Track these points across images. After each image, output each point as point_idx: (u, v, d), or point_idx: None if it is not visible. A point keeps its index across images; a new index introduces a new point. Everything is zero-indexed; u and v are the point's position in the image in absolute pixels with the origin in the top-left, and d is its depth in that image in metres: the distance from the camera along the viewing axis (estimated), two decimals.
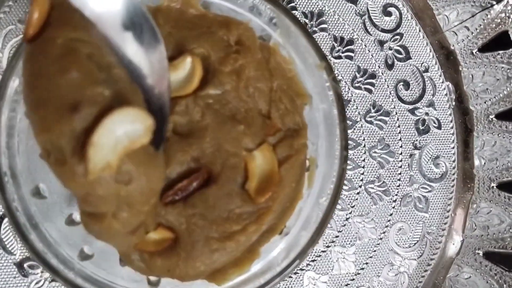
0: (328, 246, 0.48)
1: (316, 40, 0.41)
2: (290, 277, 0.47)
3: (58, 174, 0.29)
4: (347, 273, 0.48)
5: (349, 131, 0.49)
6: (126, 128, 0.27)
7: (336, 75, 0.48)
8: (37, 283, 0.43)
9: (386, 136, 0.50)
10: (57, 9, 0.29)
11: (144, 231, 0.35)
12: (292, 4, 0.49)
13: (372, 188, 0.49)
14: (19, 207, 0.33)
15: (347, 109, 0.49)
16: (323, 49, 0.40)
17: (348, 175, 0.49)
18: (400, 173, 0.50)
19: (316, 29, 0.49)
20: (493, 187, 0.50)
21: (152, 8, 0.37)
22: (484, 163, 0.51)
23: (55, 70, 0.27)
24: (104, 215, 0.33)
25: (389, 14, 0.51)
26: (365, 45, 0.50)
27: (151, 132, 0.29)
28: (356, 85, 0.50)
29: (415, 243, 0.50)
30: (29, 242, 0.32)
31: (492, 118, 0.51)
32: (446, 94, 0.51)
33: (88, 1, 0.28)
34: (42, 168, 0.37)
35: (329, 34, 0.49)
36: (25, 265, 0.43)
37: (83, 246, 0.37)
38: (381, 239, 0.49)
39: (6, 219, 0.43)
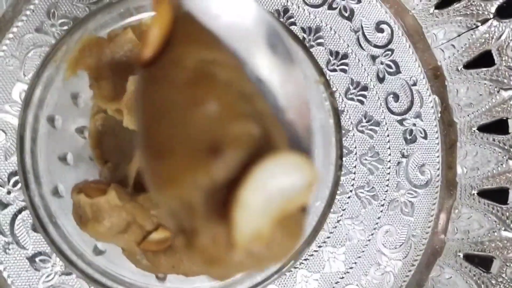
0: (320, 246, 0.51)
1: (314, 53, 0.44)
2: (284, 275, 0.50)
3: (186, 251, 0.21)
4: (337, 272, 0.52)
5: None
6: (281, 182, 0.19)
7: (331, 86, 0.51)
8: (47, 276, 0.46)
9: (376, 144, 0.53)
10: (181, 23, 0.22)
11: (138, 228, 0.37)
12: (292, 20, 0.52)
13: (362, 193, 0.52)
14: (40, 204, 0.36)
15: (341, 119, 0.52)
16: (319, 62, 0.43)
17: (340, 180, 0.52)
18: (388, 179, 0.53)
19: (313, 43, 0.52)
20: (474, 194, 0.53)
21: None
22: (466, 171, 0.54)
23: (185, 102, 0.20)
24: (86, 221, 0.36)
25: (381, 31, 0.54)
26: (359, 59, 0.53)
27: (314, 189, 0.20)
28: (350, 96, 0.53)
29: (400, 245, 0.53)
30: (50, 235, 0.35)
31: (474, 130, 0.54)
32: (432, 107, 0.55)
33: (221, 12, 0.22)
34: (60, 171, 0.40)
35: (325, 48, 0.53)
36: (37, 259, 0.46)
37: (97, 242, 0.40)
38: (369, 240, 0.52)
39: (19, 216, 0.46)
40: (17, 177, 0.45)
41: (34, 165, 0.36)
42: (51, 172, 0.38)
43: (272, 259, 0.21)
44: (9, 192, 0.46)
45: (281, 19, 0.51)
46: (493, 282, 0.50)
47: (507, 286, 0.49)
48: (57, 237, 0.36)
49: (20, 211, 0.46)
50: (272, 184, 0.19)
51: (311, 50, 0.49)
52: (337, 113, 0.39)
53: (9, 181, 0.46)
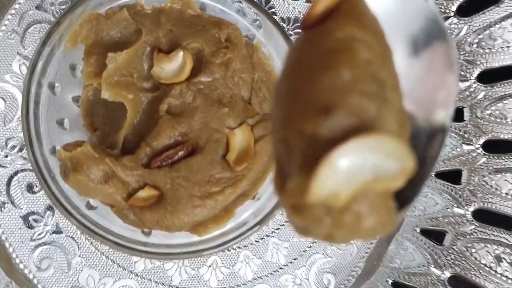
0: None
1: (292, 41, 0.49)
2: (257, 241, 0.55)
3: (278, 193, 0.23)
4: (305, 241, 0.56)
5: None
6: (377, 161, 0.20)
7: None
8: (39, 234, 0.50)
9: None
10: (348, 2, 0.24)
11: (120, 182, 0.41)
12: (272, 10, 0.57)
13: None
14: (41, 160, 0.40)
15: None
16: None
17: None
18: None
19: (291, 32, 0.57)
20: (431, 175, 0.59)
21: (157, 8, 0.44)
22: None
23: (321, 64, 0.22)
24: (68, 172, 0.40)
25: None
26: None
27: (406, 179, 0.21)
28: None
29: None
30: (51, 189, 0.39)
31: None
32: None
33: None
34: (57, 133, 0.44)
35: None
36: (30, 218, 0.50)
37: (88, 199, 0.44)
38: None
39: (15, 178, 0.50)
40: (14, 142, 0.49)
41: (36, 126, 0.40)
42: (50, 134, 0.42)
43: (349, 233, 0.22)
44: (6, 156, 0.49)
45: (263, 7, 0.56)
46: (445, 253, 0.55)
47: (458, 257, 0.55)
48: (56, 190, 0.40)
49: (16, 173, 0.50)
50: (367, 159, 0.20)
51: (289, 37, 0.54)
52: None
53: (6, 145, 0.49)
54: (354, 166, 0.20)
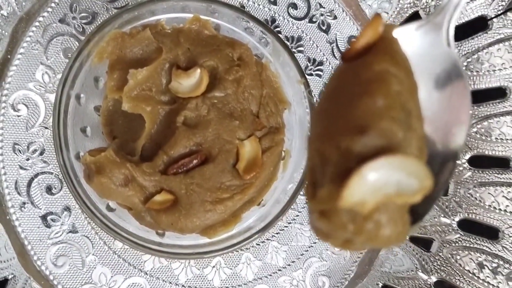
0: (290, 223, 0.60)
1: (296, 59, 0.53)
2: (258, 244, 0.59)
3: (310, 200, 0.27)
4: (302, 245, 0.60)
5: None
6: (400, 178, 0.24)
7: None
8: (56, 233, 0.53)
9: None
10: (383, 41, 0.29)
11: (138, 186, 0.45)
12: (278, 29, 0.61)
13: None
14: (68, 166, 0.44)
15: None
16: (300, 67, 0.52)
17: None
18: None
19: (295, 50, 0.61)
20: None
21: (176, 29, 0.48)
22: None
23: (360, 91, 0.26)
24: (92, 175, 0.44)
25: None
26: (332, 67, 0.62)
27: (423, 195, 0.25)
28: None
29: None
30: (76, 190, 0.43)
31: None
32: None
33: (415, 42, 0.29)
34: (81, 140, 0.48)
35: (304, 55, 0.62)
36: (48, 218, 0.53)
37: (109, 201, 0.48)
38: None
39: (35, 180, 0.53)
40: (35, 146, 0.53)
41: (64, 133, 0.44)
42: (75, 140, 0.46)
43: (367, 240, 0.26)
44: (28, 159, 0.53)
45: (269, 26, 0.60)
46: (432, 259, 0.60)
47: (443, 263, 0.59)
48: (81, 192, 0.43)
49: (36, 175, 0.53)
50: (392, 175, 0.24)
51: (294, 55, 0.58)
52: (313, 108, 0.48)
53: (28, 149, 0.53)
54: (380, 180, 0.24)
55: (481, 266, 0.57)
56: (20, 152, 0.53)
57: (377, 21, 0.29)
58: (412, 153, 0.26)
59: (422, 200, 0.26)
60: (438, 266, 0.59)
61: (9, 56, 0.53)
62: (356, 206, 0.24)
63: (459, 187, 0.60)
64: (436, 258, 0.60)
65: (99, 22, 0.54)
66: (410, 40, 0.30)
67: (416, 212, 0.28)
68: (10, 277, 0.51)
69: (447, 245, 0.60)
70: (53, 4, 0.54)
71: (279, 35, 0.60)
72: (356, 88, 0.27)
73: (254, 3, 0.60)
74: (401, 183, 0.24)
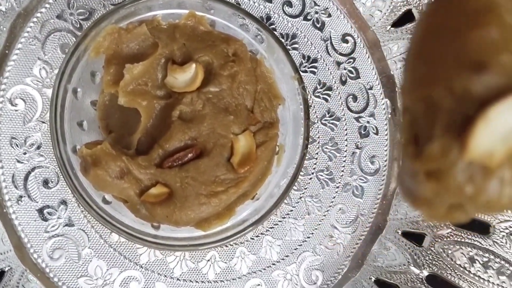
0: (284, 217, 0.61)
1: (291, 55, 0.54)
2: (252, 239, 0.60)
3: (412, 160, 0.23)
4: (296, 240, 0.61)
5: None
6: None
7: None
8: (53, 226, 0.54)
9: (336, 136, 0.63)
10: None
11: (134, 179, 0.45)
12: (273, 26, 0.62)
13: (322, 175, 0.62)
14: (65, 159, 0.44)
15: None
16: (295, 64, 0.53)
17: (304, 164, 0.61)
18: (344, 166, 0.63)
19: (289, 47, 0.62)
20: None
21: (172, 24, 0.49)
22: None
23: (469, 23, 0.22)
24: (89, 168, 0.44)
25: (346, 41, 0.64)
26: (326, 64, 0.63)
27: None
28: (316, 94, 0.63)
29: (350, 221, 0.63)
30: (73, 183, 0.44)
31: None
32: (384, 108, 0.65)
33: None
34: (78, 134, 0.48)
35: (299, 53, 0.62)
36: (45, 211, 0.54)
37: (105, 194, 0.48)
38: (325, 215, 0.62)
39: (32, 173, 0.54)
40: (32, 140, 0.53)
41: (61, 127, 0.44)
42: (72, 134, 0.46)
43: (484, 204, 0.22)
44: (25, 153, 0.53)
45: (266, 24, 0.61)
46: (424, 253, 0.60)
47: (435, 257, 0.60)
48: (78, 185, 0.44)
49: (33, 169, 0.54)
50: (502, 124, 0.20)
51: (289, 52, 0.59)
52: (306, 103, 0.49)
53: (25, 143, 0.53)
54: (510, 125, 0.20)
55: (472, 260, 0.58)
56: (18, 146, 0.53)
57: None
58: None
59: None
60: (430, 261, 0.60)
61: (7, 51, 0.54)
62: (483, 159, 0.20)
63: None
64: (428, 252, 0.60)
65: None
66: None
67: None
68: (6, 269, 0.52)
69: (439, 240, 0.60)
70: (51, 0, 0.55)
71: (274, 32, 0.61)
72: (464, 21, 0.22)
73: (249, 1, 0.61)
74: None
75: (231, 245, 0.58)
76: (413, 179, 0.23)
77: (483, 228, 0.59)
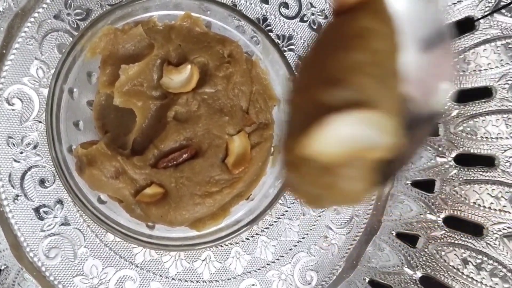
0: (279, 218, 0.61)
1: (286, 57, 0.54)
2: (247, 239, 0.60)
3: (282, 150, 0.27)
4: (291, 240, 0.61)
5: None
6: (368, 133, 0.24)
7: None
8: (49, 225, 0.54)
9: None
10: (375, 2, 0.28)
11: (129, 179, 0.46)
12: (269, 27, 0.62)
13: None
14: (60, 158, 0.45)
15: None
16: (290, 65, 0.53)
17: None
18: None
19: (285, 48, 0.62)
20: (408, 184, 0.64)
21: (168, 25, 0.49)
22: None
23: (340, 45, 0.26)
24: (84, 167, 0.45)
25: None
26: None
27: (392, 152, 0.25)
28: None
29: (345, 222, 0.63)
30: (69, 183, 0.44)
31: None
32: None
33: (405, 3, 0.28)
34: (74, 133, 0.49)
35: (295, 54, 0.63)
36: (41, 210, 0.54)
37: (100, 194, 0.48)
38: (319, 216, 0.62)
39: (28, 173, 0.54)
40: (29, 140, 0.54)
41: (57, 127, 0.45)
42: (68, 134, 0.47)
43: (332, 195, 0.26)
44: (21, 152, 0.54)
45: (260, 25, 0.61)
46: (417, 255, 0.61)
47: (429, 258, 0.60)
48: (73, 185, 0.44)
49: (29, 168, 0.54)
50: (360, 129, 0.24)
51: (284, 54, 0.59)
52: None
53: (22, 142, 0.54)
54: (345, 133, 0.24)
55: (465, 262, 0.58)
56: (14, 146, 0.54)
57: None
58: (384, 110, 0.25)
59: (391, 160, 0.25)
60: (424, 262, 0.60)
61: (4, 51, 0.54)
62: (317, 156, 0.24)
63: (445, 184, 0.61)
64: (422, 254, 0.61)
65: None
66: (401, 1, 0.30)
67: (386, 172, 0.27)
68: (2, 268, 0.52)
69: (433, 241, 0.61)
70: (48, 0, 0.55)
71: (270, 33, 0.61)
72: (338, 43, 0.27)
73: (246, 2, 0.61)
74: (370, 138, 0.24)
75: (226, 245, 0.59)
76: (284, 168, 0.27)
77: (476, 230, 0.59)
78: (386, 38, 0.27)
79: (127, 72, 0.46)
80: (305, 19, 0.63)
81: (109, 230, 0.46)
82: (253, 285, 0.59)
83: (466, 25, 0.61)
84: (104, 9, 0.56)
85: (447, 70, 0.30)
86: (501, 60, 0.59)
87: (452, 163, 0.61)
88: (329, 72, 0.25)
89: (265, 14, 0.62)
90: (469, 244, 0.59)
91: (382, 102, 0.25)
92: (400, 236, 0.63)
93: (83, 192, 0.46)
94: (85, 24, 0.53)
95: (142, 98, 0.48)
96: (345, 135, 0.24)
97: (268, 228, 0.61)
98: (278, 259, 0.60)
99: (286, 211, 0.61)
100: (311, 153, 0.24)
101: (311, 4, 0.63)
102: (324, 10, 0.64)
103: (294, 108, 0.27)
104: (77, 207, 0.52)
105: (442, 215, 0.61)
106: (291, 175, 0.26)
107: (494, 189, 0.59)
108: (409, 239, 0.63)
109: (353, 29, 0.27)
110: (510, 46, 0.59)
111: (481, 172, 0.60)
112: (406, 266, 0.61)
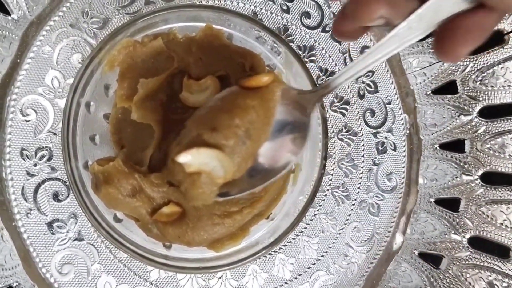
0: (297, 235, 0.59)
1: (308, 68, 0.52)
2: (265, 256, 0.58)
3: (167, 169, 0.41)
4: (310, 258, 0.60)
5: None
6: (215, 163, 0.37)
7: None
8: (62, 240, 0.53)
9: (353, 151, 0.62)
10: (267, 88, 0.40)
11: (146, 197, 0.45)
12: (290, 38, 0.60)
13: (337, 192, 0.61)
14: (76, 175, 0.43)
15: None
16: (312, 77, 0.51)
17: None
18: (360, 183, 0.62)
19: (307, 60, 0.60)
20: (431, 201, 0.62)
21: (189, 38, 0.47)
22: (426, 182, 0.63)
23: (230, 107, 0.38)
24: (100, 185, 0.44)
25: None
26: None
27: (224, 181, 0.38)
28: (333, 108, 0.61)
29: (366, 240, 0.62)
30: (84, 200, 0.42)
31: (436, 147, 0.63)
32: (402, 124, 0.63)
33: (289, 100, 0.40)
34: (90, 148, 0.47)
35: (316, 65, 0.61)
36: (54, 225, 0.53)
37: (116, 212, 0.47)
38: (339, 234, 0.61)
39: (42, 186, 0.52)
40: (43, 152, 0.52)
41: (73, 143, 0.43)
42: (84, 149, 0.45)
43: (191, 194, 0.39)
44: (35, 165, 0.52)
45: (282, 36, 0.59)
46: (441, 276, 0.59)
47: (453, 281, 0.58)
48: (88, 202, 0.43)
49: (43, 181, 0.52)
50: (209, 159, 0.37)
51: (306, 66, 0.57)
52: (325, 121, 0.47)
53: (36, 154, 0.52)
54: (204, 158, 0.37)
55: (491, 285, 0.56)
56: (28, 158, 0.52)
57: (270, 76, 0.40)
58: (231, 157, 0.38)
59: (229, 187, 0.40)
60: (447, 284, 0.58)
61: (18, 60, 0.52)
62: (184, 165, 0.37)
63: (470, 203, 0.59)
64: (446, 275, 0.59)
65: (111, 27, 0.54)
66: (288, 96, 0.40)
67: (225, 193, 0.41)
68: (14, 285, 0.51)
69: (457, 263, 0.59)
70: (64, 9, 0.54)
71: (291, 44, 0.59)
72: (230, 105, 0.39)
73: (267, 11, 0.60)
74: (214, 166, 0.37)
75: None
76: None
77: (503, 252, 0.57)
78: (262, 117, 0.39)
79: (145, 86, 0.45)
80: (327, 29, 0.61)
81: (123, 250, 0.44)
82: None
83: (494, 39, 0.59)
84: (122, 17, 0.54)
85: (298, 152, 0.41)
86: None
87: (479, 181, 0.59)
88: (216, 121, 0.38)
89: (286, 24, 0.60)
90: (495, 267, 0.57)
91: (235, 152, 0.38)
92: (423, 255, 0.61)
93: (98, 210, 0.44)
94: (103, 33, 0.51)
95: (160, 113, 0.46)
96: (202, 158, 0.37)
97: (286, 245, 0.59)
98: (296, 278, 0.59)
99: (305, 228, 0.59)
100: (182, 162, 0.37)
101: (333, 13, 0.61)
102: None
103: (186, 131, 0.39)
104: (91, 225, 0.50)
105: (467, 236, 0.59)
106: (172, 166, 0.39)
107: None
108: (432, 259, 0.61)
109: (244, 101, 0.39)
110: None
111: (508, 192, 0.58)
112: (429, 287, 0.59)
